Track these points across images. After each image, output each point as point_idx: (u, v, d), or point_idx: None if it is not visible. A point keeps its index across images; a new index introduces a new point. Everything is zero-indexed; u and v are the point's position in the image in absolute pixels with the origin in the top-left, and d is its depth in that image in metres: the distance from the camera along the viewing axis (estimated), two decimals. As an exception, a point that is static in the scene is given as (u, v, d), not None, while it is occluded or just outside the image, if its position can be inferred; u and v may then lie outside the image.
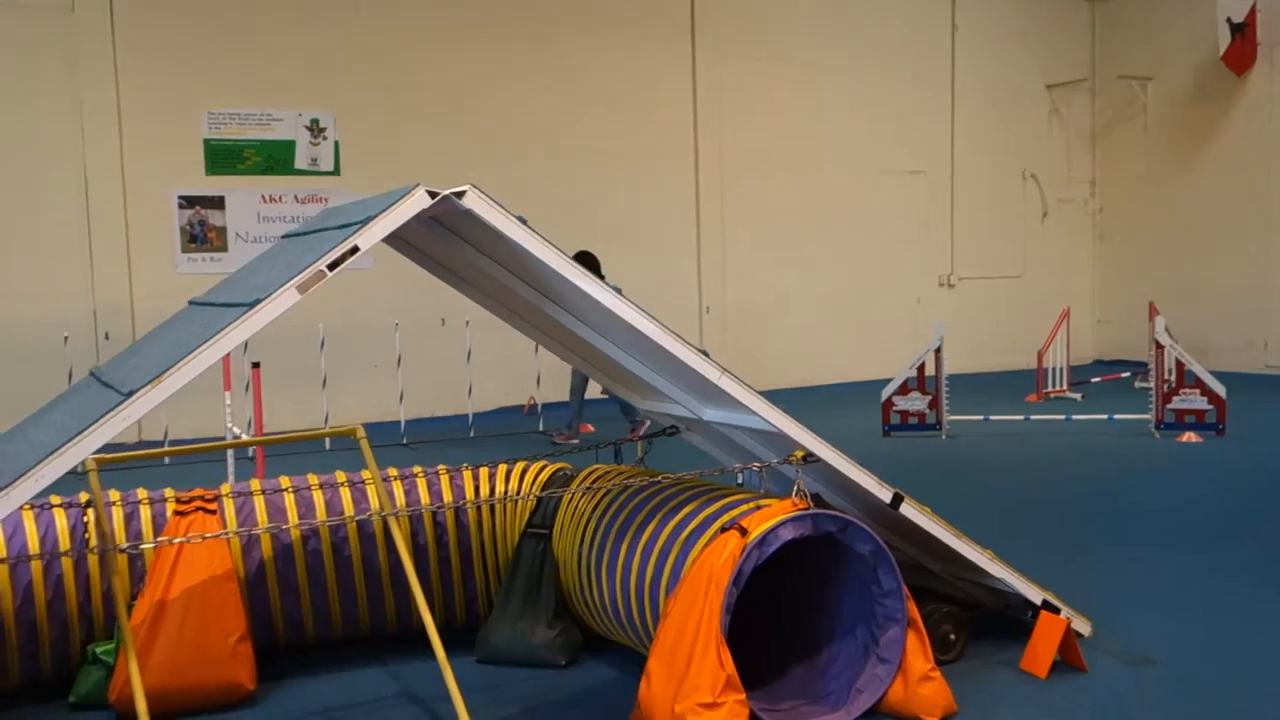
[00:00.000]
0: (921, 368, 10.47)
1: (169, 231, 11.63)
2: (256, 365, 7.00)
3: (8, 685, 4.06)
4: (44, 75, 11.06)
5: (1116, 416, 10.31)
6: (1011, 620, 4.49)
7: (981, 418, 10.63)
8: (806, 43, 15.02)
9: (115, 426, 2.83)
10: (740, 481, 4.36)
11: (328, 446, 9.98)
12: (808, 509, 3.73)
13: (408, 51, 12.59)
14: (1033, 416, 10.64)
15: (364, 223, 3.10)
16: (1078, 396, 12.64)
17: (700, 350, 3.70)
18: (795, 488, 3.82)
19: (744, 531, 3.66)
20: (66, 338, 9.93)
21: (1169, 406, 9.89)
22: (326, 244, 3.18)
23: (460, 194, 3.24)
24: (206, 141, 11.79)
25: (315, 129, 12.24)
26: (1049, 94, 17.04)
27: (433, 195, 3.20)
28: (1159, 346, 10.00)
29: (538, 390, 11.93)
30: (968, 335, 15.89)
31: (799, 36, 14.99)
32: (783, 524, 3.66)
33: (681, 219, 14.40)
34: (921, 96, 15.93)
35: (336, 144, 12.35)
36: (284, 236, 4.14)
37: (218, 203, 11.83)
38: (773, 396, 3.88)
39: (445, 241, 3.78)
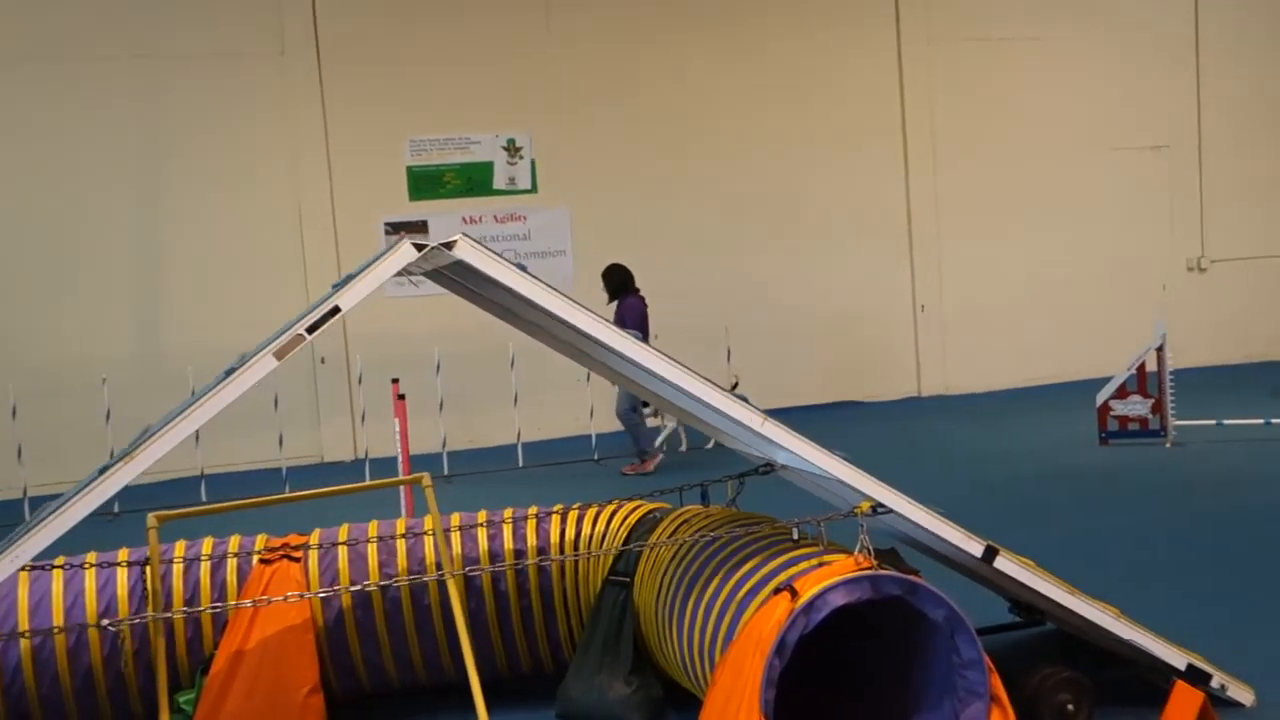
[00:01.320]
0: (1142, 367, 9.49)
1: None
2: (402, 397, 7.13)
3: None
4: (258, 115, 11.80)
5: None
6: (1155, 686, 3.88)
7: (1214, 422, 9.49)
8: (1025, 18, 13.97)
9: (92, 502, 2.85)
10: (818, 530, 3.97)
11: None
12: (869, 568, 3.34)
13: (597, 59, 12.62)
14: (1274, 420, 9.37)
15: (345, 283, 3.00)
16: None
17: (740, 396, 3.37)
18: (859, 544, 3.43)
19: (795, 594, 3.31)
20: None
21: None
22: (321, 304, 3.10)
23: (450, 244, 3.07)
24: (409, 169, 12.25)
25: (512, 149, 12.48)
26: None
27: (419, 248, 3.05)
28: None
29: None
30: (1224, 323, 14.41)
31: (1016, 11, 13.97)
32: (835, 587, 3.28)
33: (891, 213, 13.73)
34: (1160, 66, 14.48)
35: (533, 162, 12.54)
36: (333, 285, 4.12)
37: (421, 227, 12.26)
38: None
39: (480, 282, 3.62)
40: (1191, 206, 14.82)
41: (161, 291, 11.63)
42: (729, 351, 11.45)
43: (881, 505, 3.48)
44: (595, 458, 10.67)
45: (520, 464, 10.70)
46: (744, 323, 12.56)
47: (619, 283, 10.17)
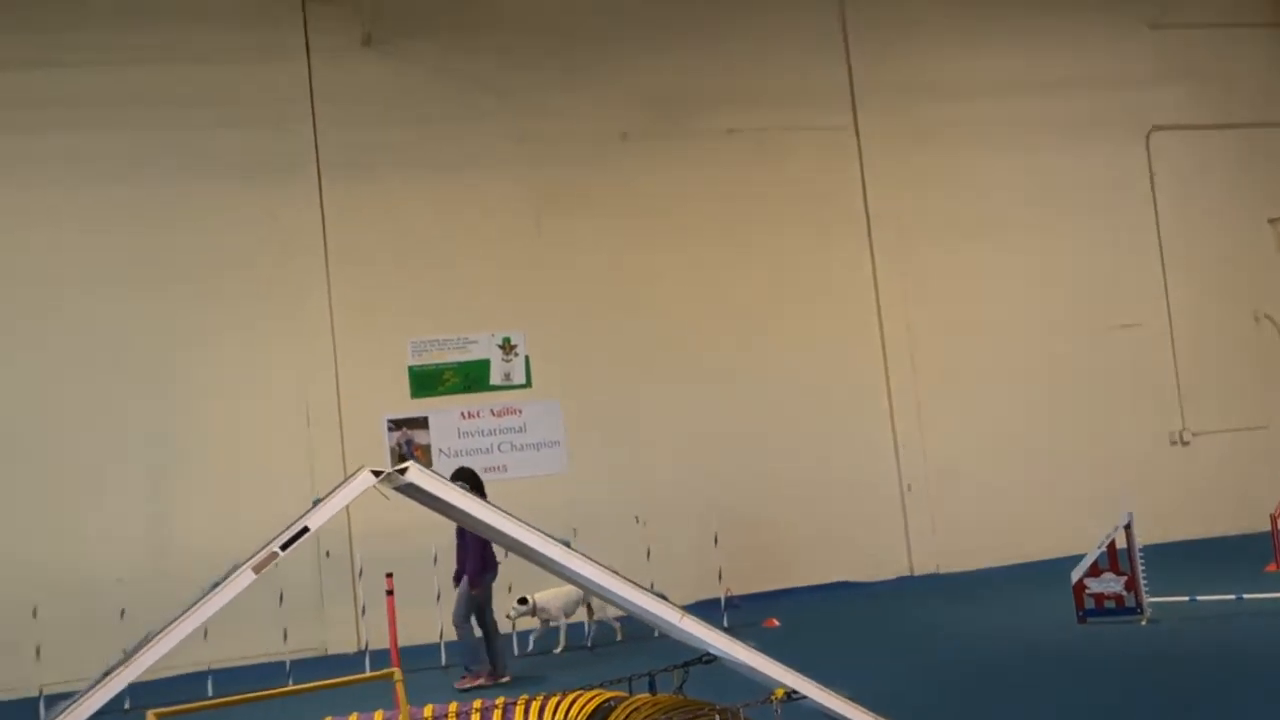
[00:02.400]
0: (1113, 544, 9.82)
1: (380, 453, 12.75)
2: (390, 593, 7.54)
3: None
4: (268, 321, 12.62)
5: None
6: None
7: (1187, 598, 9.76)
8: (991, 217, 14.86)
9: (98, 702, 3.31)
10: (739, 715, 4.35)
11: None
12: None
13: (585, 262, 13.54)
14: (1246, 596, 9.63)
15: (315, 506, 3.52)
16: (1328, 565, 11.38)
17: (659, 594, 3.83)
18: (774, 725, 3.83)
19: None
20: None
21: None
22: (299, 521, 3.61)
23: (403, 470, 3.61)
24: (410, 368, 12.97)
25: (507, 346, 13.22)
26: (1273, 228, 15.95)
27: (376, 474, 3.58)
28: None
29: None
30: (1207, 495, 14.73)
31: (982, 213, 14.87)
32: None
33: (872, 399, 14.34)
34: (1125, 248, 15.34)
35: (527, 358, 13.26)
36: (313, 500, 4.64)
37: (422, 423, 12.91)
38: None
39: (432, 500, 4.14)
40: (1168, 380, 15.37)
41: (175, 494, 12.21)
42: (716, 537, 11.87)
43: (795, 691, 3.89)
44: (589, 644, 10.94)
45: (515, 652, 10.96)
46: (735, 507, 13.00)
47: (471, 487, 9.96)
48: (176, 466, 12.24)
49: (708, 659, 4.90)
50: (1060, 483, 14.41)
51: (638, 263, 13.66)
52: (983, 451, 14.36)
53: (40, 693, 10.01)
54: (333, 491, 3.59)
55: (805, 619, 11.37)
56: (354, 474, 3.59)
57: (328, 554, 12.30)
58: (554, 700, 5.11)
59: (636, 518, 12.26)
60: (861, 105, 14.67)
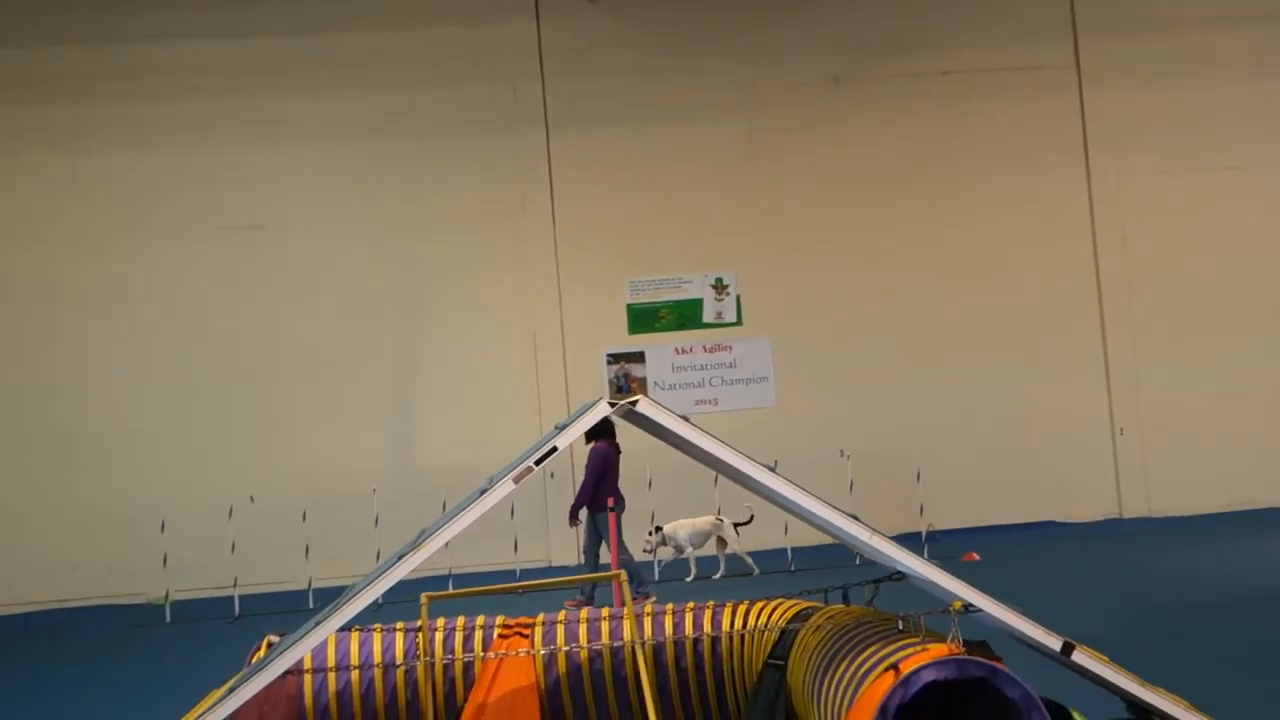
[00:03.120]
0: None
1: (600, 384, 13.71)
2: (613, 509, 8.38)
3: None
4: (502, 262, 13.70)
5: None
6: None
7: None
8: (1221, 155, 14.35)
9: (383, 585, 4.18)
10: (919, 623, 4.85)
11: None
12: (958, 654, 4.26)
13: (795, 204, 13.96)
14: None
15: (560, 429, 4.27)
16: None
17: (851, 515, 4.41)
18: (951, 633, 4.36)
19: (897, 672, 4.26)
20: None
21: None
22: (544, 443, 4.38)
23: (634, 403, 4.30)
24: (629, 306, 13.82)
25: (719, 286, 13.87)
26: None
27: (612, 404, 4.29)
28: None
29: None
30: None
31: (1212, 150, 14.37)
32: (927, 667, 4.21)
33: (1084, 338, 14.23)
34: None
35: (738, 298, 13.88)
36: (555, 426, 5.39)
37: (639, 358, 13.76)
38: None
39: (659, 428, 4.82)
40: None
41: (419, 416, 13.54)
42: (919, 472, 12.23)
43: (971, 605, 4.40)
44: (790, 568, 11.61)
45: (721, 573, 11.74)
46: (939, 445, 13.31)
47: (595, 428, 10.63)
48: (419, 393, 13.57)
49: (897, 576, 5.44)
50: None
51: (849, 207, 13.98)
52: (1201, 395, 14.06)
53: (309, 585, 11.50)
54: (576, 417, 4.31)
55: (1007, 554, 11.63)
56: (594, 402, 4.29)
57: (552, 475, 13.38)
58: (759, 605, 5.79)
59: (841, 451, 12.74)
60: (1084, 42, 14.37)
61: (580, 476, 12.77)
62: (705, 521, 11.51)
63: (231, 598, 11.62)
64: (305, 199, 13.65)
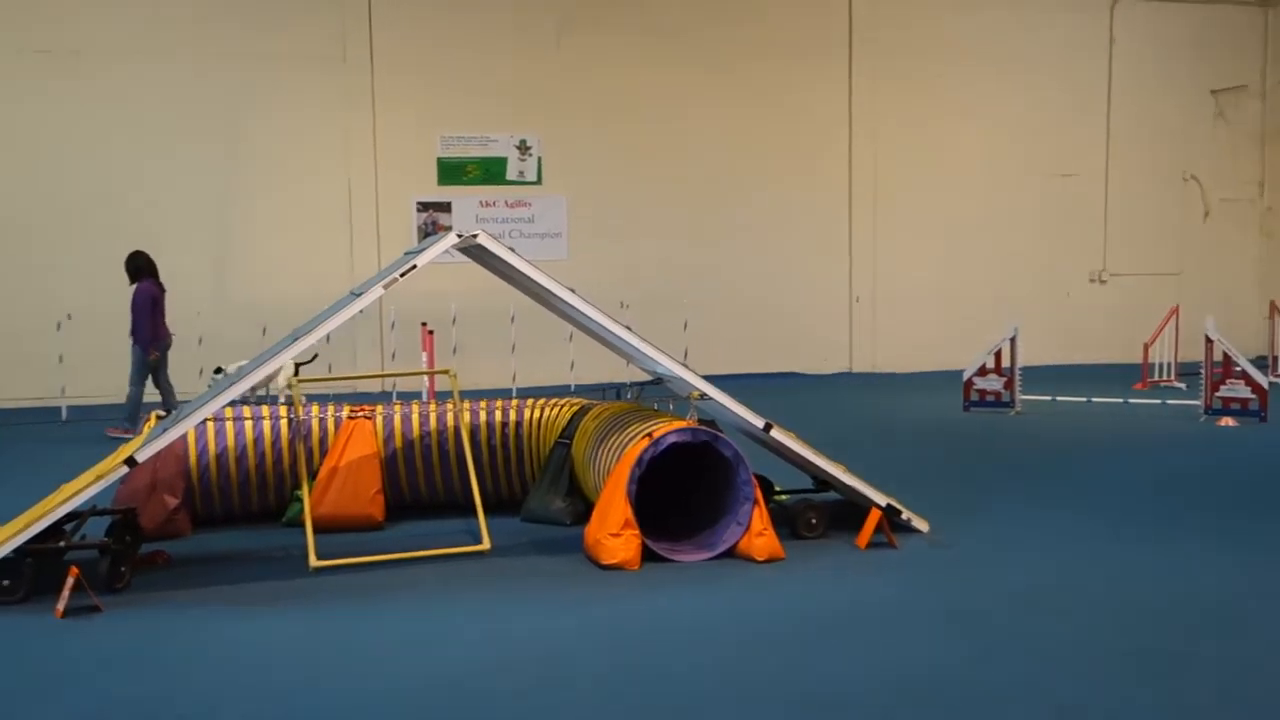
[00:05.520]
0: (999, 354, 12.22)
1: (408, 229, 14.97)
2: (431, 332, 9.88)
3: (251, 511, 7.04)
4: (320, 108, 14.61)
5: (1170, 402, 11.70)
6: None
7: (1050, 398, 12.26)
8: (959, 63, 16.69)
9: (253, 379, 5.62)
10: (669, 409, 6.72)
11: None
12: (691, 426, 6.11)
13: (596, 77, 15.42)
14: (1095, 399, 12.16)
15: (419, 251, 5.77)
16: (1183, 386, 13.84)
17: (625, 325, 6.13)
18: (690, 412, 6.20)
19: (650, 437, 6.08)
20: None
21: (1216, 394, 11.23)
22: (402, 263, 5.87)
23: (474, 236, 5.83)
24: (439, 159, 15.04)
25: (523, 148, 15.25)
26: (1214, 99, 17.79)
27: (460, 235, 5.80)
28: (1209, 341, 11.34)
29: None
30: (1119, 328, 17.03)
31: (952, 56, 16.68)
32: (670, 433, 6.05)
33: (834, 219, 16.51)
34: (1075, 106, 17.22)
35: (539, 159, 15.32)
36: (404, 253, 6.84)
37: (446, 208, 15.06)
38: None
39: (489, 259, 6.37)
40: (1097, 226, 17.54)
41: (238, 250, 14.48)
42: (686, 322, 14.23)
43: (705, 395, 6.25)
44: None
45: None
46: (703, 301, 15.36)
47: (135, 268, 11.34)
48: (237, 225, 14.47)
49: (655, 380, 7.28)
50: (988, 309, 16.70)
51: (643, 81, 15.55)
52: (922, 274, 16.65)
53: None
54: (429, 245, 5.80)
55: (752, 394, 13.82)
56: (444, 234, 5.78)
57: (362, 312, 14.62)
58: (554, 401, 7.53)
59: (622, 302, 14.59)
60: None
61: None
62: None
63: (58, 407, 12.52)
64: (128, 24, 14.06)
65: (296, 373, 10.71)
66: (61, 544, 5.45)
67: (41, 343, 12.93)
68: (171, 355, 11.62)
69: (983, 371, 12.34)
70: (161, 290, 11.36)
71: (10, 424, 12.17)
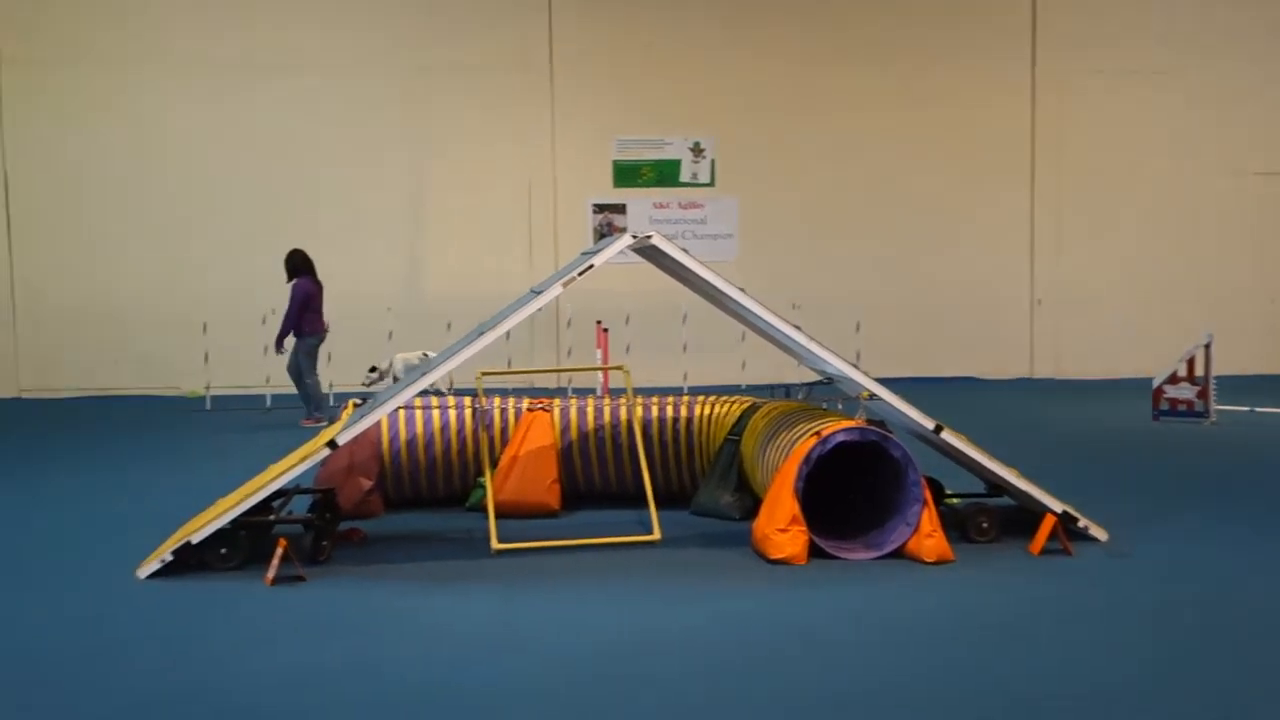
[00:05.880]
0: (1191, 361, 11.70)
1: (585, 230, 15.39)
2: (606, 330, 10.19)
3: (437, 495, 7.44)
4: (502, 114, 15.17)
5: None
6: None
7: (1248, 409, 11.66)
8: (1153, 49, 16.00)
9: (437, 374, 5.95)
10: (838, 408, 6.77)
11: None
12: (860, 426, 6.15)
13: (773, 77, 15.51)
14: (1296, 410, 11.50)
15: (596, 252, 6.01)
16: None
17: (795, 325, 6.22)
18: (859, 412, 6.25)
19: (819, 435, 6.16)
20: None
21: None
22: (579, 263, 6.13)
23: (649, 237, 6.03)
24: (615, 162, 15.41)
25: (696, 150, 15.46)
26: None
27: (635, 236, 6.02)
28: None
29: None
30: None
31: (1145, 46, 16.01)
32: (838, 432, 6.11)
33: (1015, 218, 16.09)
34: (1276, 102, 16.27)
35: (713, 161, 15.50)
36: (581, 254, 7.11)
37: (620, 209, 15.42)
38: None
39: (662, 258, 6.57)
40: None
41: (427, 247, 15.22)
42: (858, 324, 14.16)
43: (875, 395, 6.28)
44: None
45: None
46: (877, 302, 15.23)
47: (293, 266, 11.85)
48: (429, 228, 15.20)
49: (825, 380, 7.34)
50: (1183, 313, 15.95)
51: (819, 84, 15.54)
52: (1109, 277, 16.04)
53: (330, 387, 13.31)
54: (607, 246, 6.03)
55: (925, 398, 13.61)
56: (619, 235, 6.00)
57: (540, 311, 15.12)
58: (724, 399, 7.69)
59: (793, 303, 14.60)
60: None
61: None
62: (415, 356, 12.12)
63: (264, 395, 13.44)
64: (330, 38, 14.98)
65: (382, 379, 11.51)
66: (271, 518, 5.93)
67: (249, 335, 13.87)
68: (359, 347, 12.29)
69: (1174, 379, 11.84)
70: (319, 286, 11.85)
71: (224, 409, 13.15)
